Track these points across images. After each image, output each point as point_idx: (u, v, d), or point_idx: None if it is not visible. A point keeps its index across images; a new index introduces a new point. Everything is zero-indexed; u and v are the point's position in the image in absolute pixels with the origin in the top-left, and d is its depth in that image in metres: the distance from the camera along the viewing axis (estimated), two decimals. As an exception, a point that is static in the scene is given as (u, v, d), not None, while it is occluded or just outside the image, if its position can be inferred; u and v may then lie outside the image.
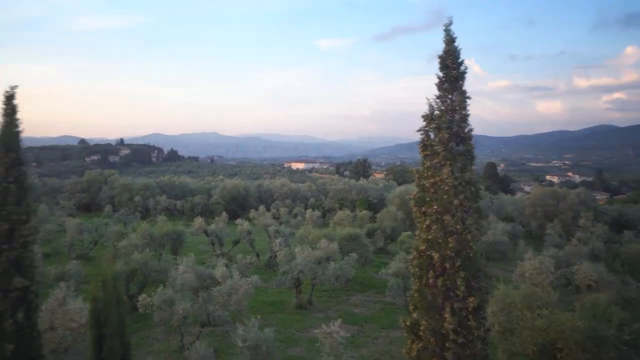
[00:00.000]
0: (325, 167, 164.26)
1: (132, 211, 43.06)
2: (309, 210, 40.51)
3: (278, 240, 24.52)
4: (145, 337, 15.41)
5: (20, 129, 9.33)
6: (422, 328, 7.55)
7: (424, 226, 7.76)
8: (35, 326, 8.90)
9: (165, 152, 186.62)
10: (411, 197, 8.35)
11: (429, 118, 7.98)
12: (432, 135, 7.97)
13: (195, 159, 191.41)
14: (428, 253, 7.67)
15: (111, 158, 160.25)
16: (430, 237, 7.65)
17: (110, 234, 26.88)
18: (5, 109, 9.13)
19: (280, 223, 34.38)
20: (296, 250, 19.62)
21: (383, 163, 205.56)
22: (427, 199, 7.82)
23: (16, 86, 9.23)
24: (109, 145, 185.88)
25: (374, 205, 47.12)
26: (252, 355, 10.28)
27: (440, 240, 7.55)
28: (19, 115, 9.30)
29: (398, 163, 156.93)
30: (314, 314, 18.19)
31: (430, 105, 8.00)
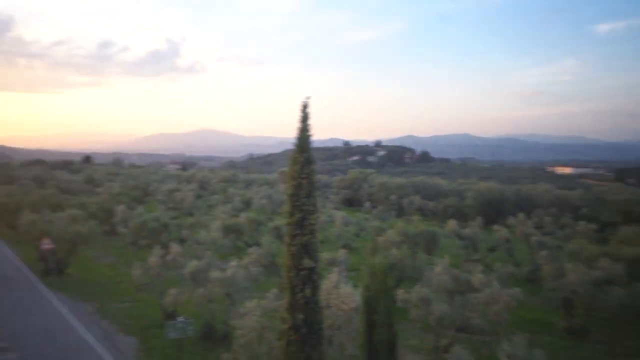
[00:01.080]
0: (600, 172, 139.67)
1: (388, 209, 45.97)
2: (581, 222, 35.05)
3: (543, 253, 22.03)
4: (401, 330, 16.12)
5: (311, 133, 10.99)
6: None
7: None
8: (318, 302, 10.35)
9: (418, 153, 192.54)
10: None
11: None
12: None
13: (447, 160, 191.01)
14: None
15: (369, 158, 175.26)
16: None
17: (370, 229, 29.34)
18: (301, 116, 10.90)
19: (544, 234, 30.84)
20: (567, 266, 17.20)
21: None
22: None
23: (310, 97, 10.91)
24: (367, 146, 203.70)
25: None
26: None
27: None
28: (310, 122, 10.99)
29: None
30: (593, 344, 15.56)
31: None
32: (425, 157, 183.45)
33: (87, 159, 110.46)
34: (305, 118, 10.88)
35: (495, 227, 28.95)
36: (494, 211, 47.61)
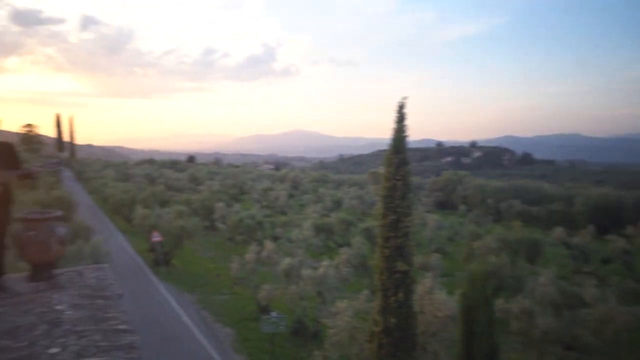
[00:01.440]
0: None
1: (485, 213, 43.60)
2: None
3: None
4: (501, 343, 15.12)
5: (406, 134, 10.72)
6: None
7: None
8: (411, 306, 10.07)
9: (518, 154, 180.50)
10: None
11: None
12: None
13: (551, 162, 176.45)
14: None
15: (463, 160, 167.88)
16: None
17: (465, 233, 28.01)
18: (397, 117, 10.67)
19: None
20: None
21: None
22: None
23: (407, 97, 10.64)
24: (461, 147, 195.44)
25: None
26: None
27: None
28: (406, 122, 10.72)
29: None
30: None
31: None
32: (526, 159, 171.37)
33: (191, 158, 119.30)
34: (401, 119, 10.66)
35: (610, 236, 26.04)
36: (608, 219, 42.90)
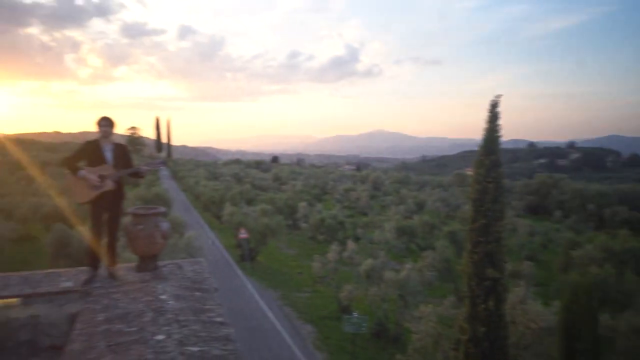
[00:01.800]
0: None
1: (584, 220, 40.07)
2: None
3: None
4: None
5: (500, 134, 10.12)
6: None
7: None
8: (503, 316, 9.50)
9: (624, 156, 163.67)
10: None
11: None
12: None
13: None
14: None
15: (559, 161, 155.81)
16: None
17: (561, 241, 25.95)
18: (489, 116, 10.12)
19: None
20: None
21: None
22: None
23: (501, 95, 10.05)
24: (557, 148, 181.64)
25: None
26: None
27: None
28: (499, 122, 10.12)
29: None
30: None
31: None
32: (634, 161, 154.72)
33: (275, 159, 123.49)
34: (494, 118, 10.10)
35: None
36: None
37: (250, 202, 38.84)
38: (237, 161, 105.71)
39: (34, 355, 4.10)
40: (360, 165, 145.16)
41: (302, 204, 36.43)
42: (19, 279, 4.60)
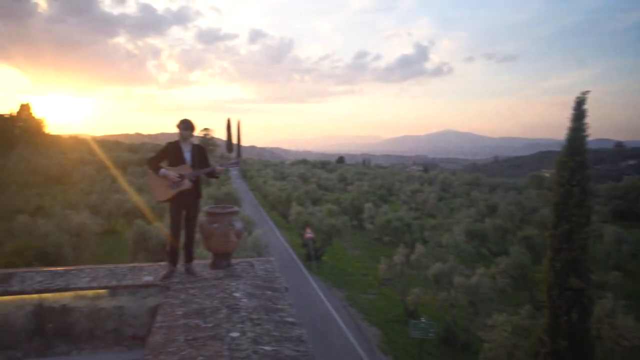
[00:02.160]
0: None
1: (681, 227, 36.21)
2: None
3: None
4: None
5: (587, 133, 9.37)
6: None
7: None
8: (588, 330, 8.79)
9: None
10: None
11: None
12: None
13: None
14: None
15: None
16: None
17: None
18: (574, 114, 9.40)
19: None
20: None
21: None
22: None
23: (588, 91, 9.31)
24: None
25: None
26: None
27: None
28: (587, 120, 9.38)
29: None
30: None
31: None
32: None
33: (341, 159, 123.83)
34: (579, 116, 9.39)
35: None
36: None
37: (315, 202, 39.19)
38: (303, 161, 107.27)
39: (118, 344, 4.35)
40: (428, 166, 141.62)
41: (368, 205, 36.16)
42: (106, 271, 4.91)
